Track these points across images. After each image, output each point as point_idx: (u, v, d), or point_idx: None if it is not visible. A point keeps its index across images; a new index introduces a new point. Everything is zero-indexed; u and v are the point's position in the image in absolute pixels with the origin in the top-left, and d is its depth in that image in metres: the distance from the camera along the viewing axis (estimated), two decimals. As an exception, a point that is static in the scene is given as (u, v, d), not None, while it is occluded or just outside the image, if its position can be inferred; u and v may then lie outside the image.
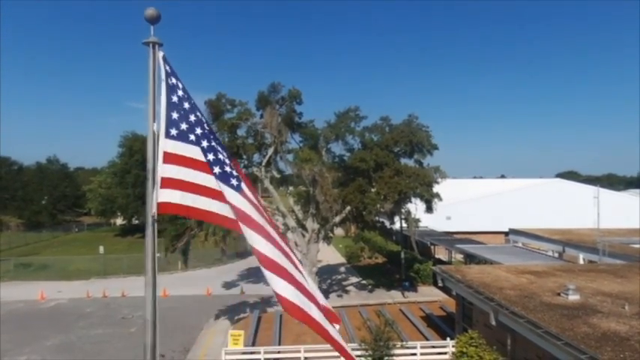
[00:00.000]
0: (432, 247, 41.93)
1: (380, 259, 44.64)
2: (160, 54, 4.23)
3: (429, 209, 28.90)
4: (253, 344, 21.74)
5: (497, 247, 35.67)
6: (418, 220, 30.72)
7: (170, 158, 4.15)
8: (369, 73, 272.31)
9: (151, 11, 4.12)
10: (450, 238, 40.50)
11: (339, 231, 37.30)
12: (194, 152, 4.24)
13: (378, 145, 27.94)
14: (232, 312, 27.48)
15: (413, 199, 28.39)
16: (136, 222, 65.70)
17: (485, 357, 15.38)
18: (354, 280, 36.75)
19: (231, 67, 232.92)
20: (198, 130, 4.33)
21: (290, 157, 29.69)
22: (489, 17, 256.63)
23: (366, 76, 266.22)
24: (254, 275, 37.36)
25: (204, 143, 4.30)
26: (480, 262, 28.88)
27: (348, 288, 33.67)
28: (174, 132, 4.21)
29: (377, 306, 28.04)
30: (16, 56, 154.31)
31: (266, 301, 29.16)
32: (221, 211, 4.19)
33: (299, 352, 19.07)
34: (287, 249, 4.43)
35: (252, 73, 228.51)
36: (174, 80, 4.34)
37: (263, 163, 28.30)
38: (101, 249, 44.23)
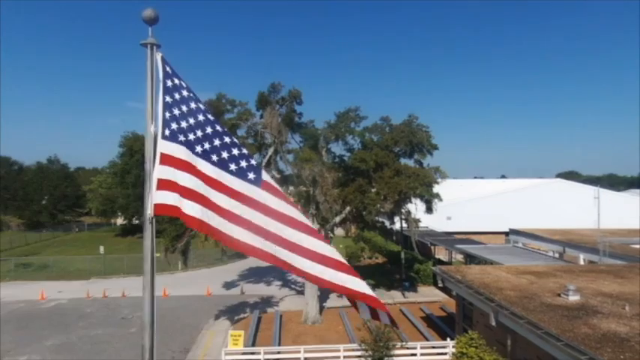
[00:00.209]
0: (433, 247, 41.92)
1: (380, 260, 44.66)
2: (159, 55, 4.20)
3: (429, 209, 28.87)
4: (253, 344, 21.74)
5: (497, 247, 35.65)
6: (418, 221, 30.66)
7: (167, 160, 4.11)
8: (369, 73, 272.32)
9: (148, 12, 4.05)
10: (450, 239, 40.49)
11: (339, 231, 37.28)
12: (190, 155, 4.19)
13: (378, 145, 27.91)
14: (232, 312, 27.48)
15: (413, 200, 28.33)
16: (137, 222, 65.81)
17: (486, 358, 15.38)
18: (354, 280, 36.69)
19: (231, 67, 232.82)
20: (200, 133, 4.27)
21: (290, 157, 29.68)
22: (489, 17, 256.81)
23: (366, 76, 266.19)
24: (254, 275, 37.40)
25: (207, 145, 4.25)
26: (480, 262, 28.88)
27: (348, 288, 33.61)
28: (171, 134, 4.18)
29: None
30: (17, 56, 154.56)
31: (266, 301, 29.16)
32: (209, 219, 4.09)
33: (299, 352, 19.07)
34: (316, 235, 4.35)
35: (252, 73, 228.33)
36: (175, 81, 4.30)
37: (263, 164, 28.24)
38: (101, 249, 44.20)
